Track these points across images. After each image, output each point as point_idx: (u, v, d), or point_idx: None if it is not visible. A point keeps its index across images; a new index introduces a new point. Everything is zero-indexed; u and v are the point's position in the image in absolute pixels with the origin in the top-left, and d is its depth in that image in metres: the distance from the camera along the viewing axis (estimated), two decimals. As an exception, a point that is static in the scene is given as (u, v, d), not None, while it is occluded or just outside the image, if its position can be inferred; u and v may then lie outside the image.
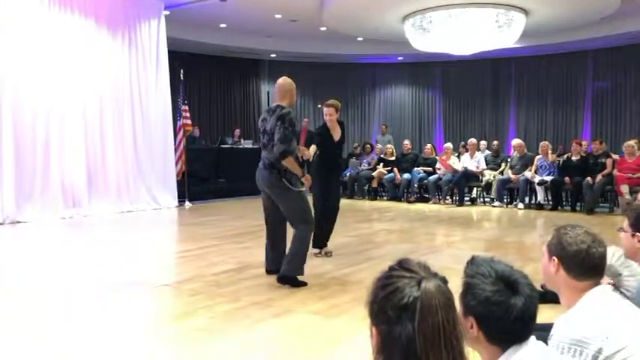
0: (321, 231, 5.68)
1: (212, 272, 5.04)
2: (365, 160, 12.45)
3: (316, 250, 5.72)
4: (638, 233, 2.25)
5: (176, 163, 10.49)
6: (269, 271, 4.79)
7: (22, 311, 3.93)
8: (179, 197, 10.44)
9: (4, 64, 8.05)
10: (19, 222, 8.02)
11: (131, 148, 9.81)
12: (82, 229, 7.95)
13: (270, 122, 4.55)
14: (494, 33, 10.95)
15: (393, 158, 12.06)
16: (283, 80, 4.79)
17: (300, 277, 4.57)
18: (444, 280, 1.14)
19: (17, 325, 3.63)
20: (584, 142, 11.25)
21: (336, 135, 5.81)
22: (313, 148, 5.62)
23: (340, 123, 5.85)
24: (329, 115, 5.73)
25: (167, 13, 10.66)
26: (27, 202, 8.27)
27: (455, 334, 1.07)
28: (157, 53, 10.36)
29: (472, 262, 1.44)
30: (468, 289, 1.39)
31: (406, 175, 11.49)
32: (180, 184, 10.51)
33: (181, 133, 10.56)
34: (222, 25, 12.82)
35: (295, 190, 4.53)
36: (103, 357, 3.11)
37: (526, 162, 10.54)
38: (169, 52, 10.64)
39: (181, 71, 10.70)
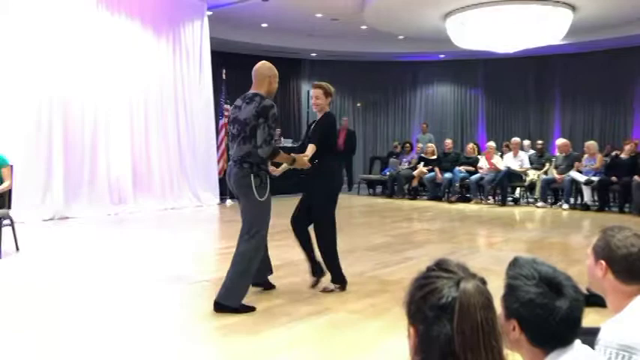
0: (305, 253, 4.54)
1: (252, 269, 5.08)
2: (405, 160, 12.35)
3: (312, 279, 4.51)
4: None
5: (218, 162, 10.65)
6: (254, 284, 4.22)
7: (64, 304, 4.05)
8: (220, 195, 10.59)
9: (55, 64, 8.32)
10: (67, 217, 8.29)
11: (175, 146, 10.01)
12: (126, 226, 8.14)
13: (244, 111, 3.94)
14: (540, 29, 10.70)
15: (434, 157, 11.94)
16: (261, 65, 4.18)
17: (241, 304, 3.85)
18: (483, 281, 1.13)
19: (60, 318, 3.75)
20: (635, 141, 10.88)
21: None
22: (311, 147, 4.38)
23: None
24: (314, 98, 4.56)
25: (210, 13, 10.82)
26: (75, 198, 8.54)
27: (494, 335, 1.06)
28: (200, 53, 10.54)
29: (514, 263, 1.41)
30: (510, 291, 1.36)
31: (447, 175, 11.35)
32: (221, 181, 10.65)
33: (223, 131, 10.71)
34: (264, 25, 12.92)
35: (258, 199, 3.88)
36: (142, 350, 3.18)
37: (571, 162, 10.26)
38: (212, 52, 10.80)
39: (223, 71, 10.84)
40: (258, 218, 3.92)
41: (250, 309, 3.86)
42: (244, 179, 3.89)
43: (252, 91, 4.11)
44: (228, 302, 3.80)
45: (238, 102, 4.13)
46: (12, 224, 5.77)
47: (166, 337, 3.40)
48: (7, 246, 5.65)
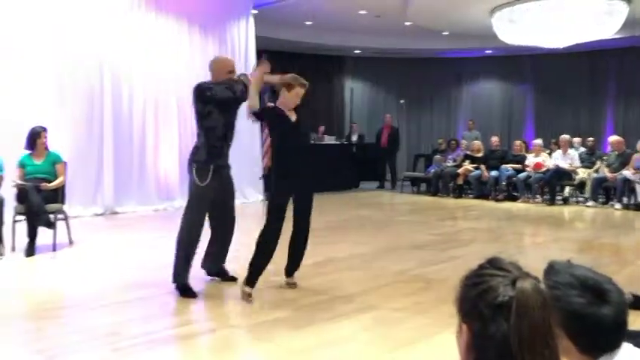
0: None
1: (296, 266, 5.11)
2: (450, 157, 12.20)
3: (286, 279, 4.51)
4: None
5: (262, 159, 10.76)
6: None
7: (112, 296, 4.17)
8: (265, 192, 10.70)
9: (105, 64, 8.56)
10: (117, 213, 8.54)
11: (220, 144, 10.16)
12: (174, 221, 8.30)
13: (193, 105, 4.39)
14: (592, 24, 10.35)
15: (481, 155, 11.74)
16: (213, 57, 4.69)
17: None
18: (538, 280, 1.11)
19: (107, 309, 3.86)
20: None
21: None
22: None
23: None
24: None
25: (255, 12, 10.92)
26: (125, 194, 8.79)
27: (550, 334, 1.04)
28: (246, 52, 10.67)
29: (550, 270, 1.38)
30: (552, 301, 1.34)
31: (494, 173, 11.15)
32: (265, 178, 10.76)
33: (267, 130, 10.79)
34: (308, 23, 12.96)
35: (197, 184, 4.47)
36: (188, 345, 3.24)
37: (624, 160, 9.92)
38: (257, 50, 10.90)
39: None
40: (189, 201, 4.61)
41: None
42: (190, 172, 4.56)
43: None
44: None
45: None
46: (66, 219, 5.99)
47: (214, 329, 3.46)
48: (61, 239, 5.86)
